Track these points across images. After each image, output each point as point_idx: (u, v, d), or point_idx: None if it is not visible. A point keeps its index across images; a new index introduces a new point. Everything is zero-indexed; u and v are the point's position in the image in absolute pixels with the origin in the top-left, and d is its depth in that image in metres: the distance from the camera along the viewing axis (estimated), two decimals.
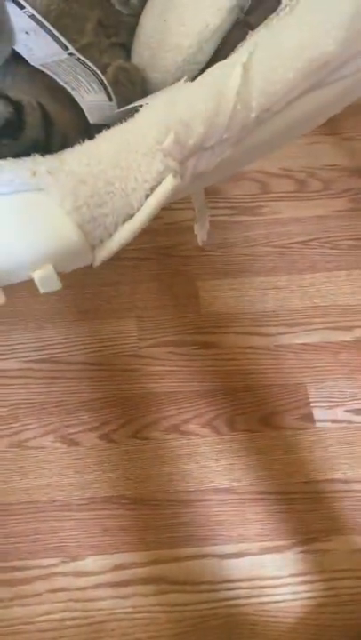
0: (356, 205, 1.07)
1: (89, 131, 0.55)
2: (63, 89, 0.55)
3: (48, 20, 0.60)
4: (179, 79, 0.56)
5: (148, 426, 0.83)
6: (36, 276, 0.40)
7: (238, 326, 0.92)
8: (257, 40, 0.42)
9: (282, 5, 0.52)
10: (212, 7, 0.54)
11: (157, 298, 0.95)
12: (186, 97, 0.39)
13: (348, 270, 0.99)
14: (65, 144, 0.52)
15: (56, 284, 0.41)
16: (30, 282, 0.42)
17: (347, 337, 0.91)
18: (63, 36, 0.59)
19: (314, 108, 0.45)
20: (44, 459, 0.80)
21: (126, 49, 0.64)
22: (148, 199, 0.40)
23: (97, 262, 0.43)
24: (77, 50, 0.59)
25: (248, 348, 0.90)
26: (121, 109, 0.52)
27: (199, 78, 0.41)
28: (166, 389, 0.87)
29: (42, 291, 0.41)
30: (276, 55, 0.40)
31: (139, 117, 0.42)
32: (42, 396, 0.85)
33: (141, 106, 0.46)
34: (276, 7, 0.52)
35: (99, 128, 0.47)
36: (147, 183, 0.40)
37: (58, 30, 0.60)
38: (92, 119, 0.53)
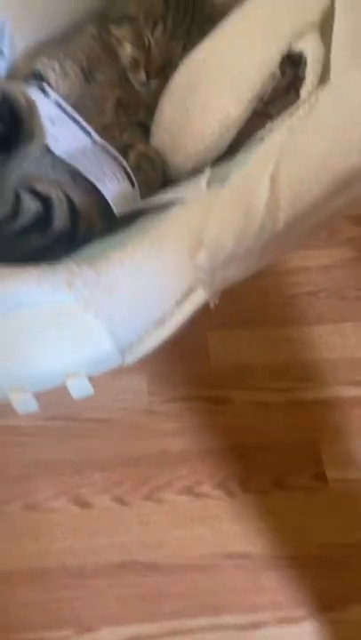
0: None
1: (110, 212, 0.56)
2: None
3: (70, 102, 0.62)
4: (198, 163, 0.58)
5: (161, 487, 0.83)
6: (69, 382, 0.40)
7: (249, 380, 0.92)
8: (282, 147, 0.43)
9: (301, 99, 0.53)
10: (233, 98, 0.56)
11: (167, 350, 0.94)
12: (217, 211, 0.40)
13: (353, 322, 0.99)
14: (89, 230, 0.54)
15: (88, 389, 0.41)
16: None
17: (358, 392, 0.91)
18: (84, 116, 0.61)
19: (340, 207, 0.46)
20: (56, 521, 0.80)
21: (144, 127, 0.66)
22: (180, 307, 0.41)
23: (125, 365, 0.43)
24: (98, 130, 0.61)
25: (259, 403, 0.90)
26: (147, 201, 0.53)
27: (228, 188, 0.42)
28: (179, 448, 0.86)
29: (75, 396, 0.41)
30: (302, 167, 0.41)
31: (170, 226, 0.42)
32: (53, 455, 0.85)
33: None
34: (295, 100, 0.54)
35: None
36: (178, 292, 0.41)
37: (79, 111, 0.61)
38: (117, 210, 0.54)
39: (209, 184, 0.48)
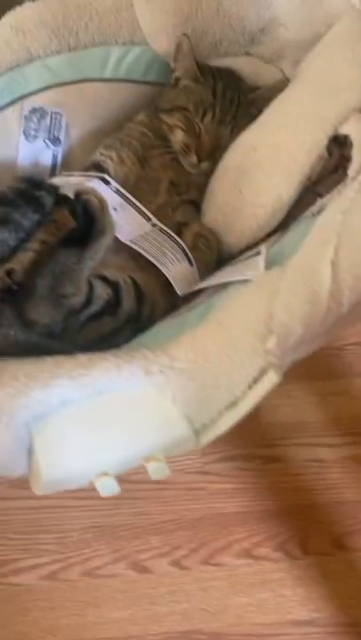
0: None
1: (171, 291, 0.59)
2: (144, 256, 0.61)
3: (127, 187, 0.67)
4: (251, 242, 0.62)
5: (220, 550, 0.83)
6: (148, 465, 0.43)
7: (301, 437, 0.92)
8: (338, 230, 0.46)
9: (349, 178, 0.57)
10: (284, 181, 0.60)
11: None
12: (283, 297, 0.42)
13: None
14: (153, 310, 0.58)
15: (165, 471, 0.44)
16: None
17: None
18: (140, 198, 0.66)
19: None
20: (117, 588, 0.80)
21: (195, 204, 0.70)
22: (251, 391, 0.43)
23: (200, 446, 0.45)
24: (153, 210, 0.66)
25: (314, 460, 0.89)
26: (208, 281, 0.57)
27: (290, 273, 0.45)
28: (235, 509, 0.86)
29: (154, 478, 0.44)
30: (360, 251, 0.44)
31: (237, 312, 0.45)
32: (110, 518, 0.85)
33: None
34: (343, 178, 0.57)
35: None
36: (249, 376, 0.43)
37: (135, 194, 0.66)
38: (179, 291, 0.58)
39: (267, 265, 0.51)
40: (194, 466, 0.88)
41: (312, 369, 0.97)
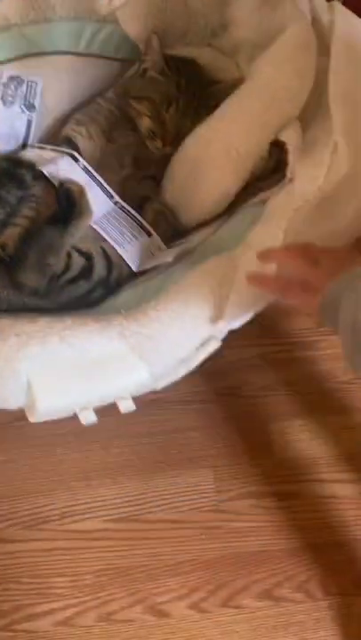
0: None
1: None
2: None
3: (94, 160, 0.81)
4: (201, 221, 0.79)
5: (239, 592, 0.83)
6: (120, 403, 0.59)
7: (316, 473, 0.93)
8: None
9: (286, 179, 0.73)
10: (232, 175, 0.72)
11: (229, 444, 0.93)
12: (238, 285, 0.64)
13: None
14: (120, 275, 0.73)
15: (131, 407, 0.60)
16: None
17: None
18: (107, 171, 0.80)
19: None
20: (134, 634, 0.78)
21: (155, 179, 0.85)
22: (198, 352, 0.61)
23: (157, 388, 0.62)
24: (119, 182, 0.81)
25: (330, 497, 0.89)
26: (152, 263, 0.71)
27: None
28: (252, 548, 0.86)
29: (124, 411, 0.59)
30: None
31: (195, 292, 0.61)
32: (125, 559, 0.85)
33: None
34: (282, 179, 0.74)
35: None
36: (198, 342, 0.62)
37: (103, 167, 0.81)
38: (134, 267, 0.72)
39: (216, 249, 0.68)
40: (209, 504, 0.87)
41: (323, 404, 0.96)
